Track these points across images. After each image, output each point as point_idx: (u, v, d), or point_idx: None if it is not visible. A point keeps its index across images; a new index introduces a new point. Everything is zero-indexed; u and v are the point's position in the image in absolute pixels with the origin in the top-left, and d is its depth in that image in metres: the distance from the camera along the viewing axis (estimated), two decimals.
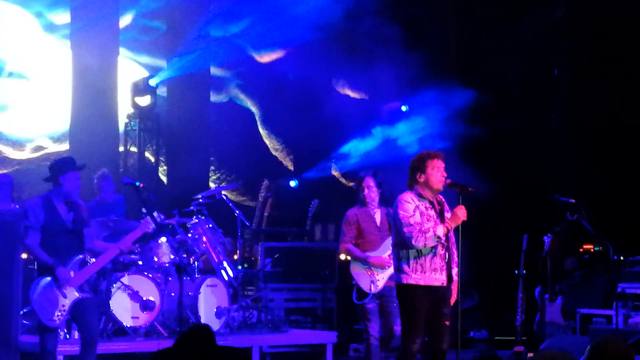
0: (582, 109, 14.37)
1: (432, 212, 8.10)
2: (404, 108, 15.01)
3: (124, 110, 14.65)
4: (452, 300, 8.16)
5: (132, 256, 10.63)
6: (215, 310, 10.69)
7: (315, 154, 15.48)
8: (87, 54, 13.55)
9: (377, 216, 9.58)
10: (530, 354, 10.72)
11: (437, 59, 14.57)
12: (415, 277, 8.01)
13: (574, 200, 11.48)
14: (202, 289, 10.64)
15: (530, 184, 14.06)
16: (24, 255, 9.56)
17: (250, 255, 13.38)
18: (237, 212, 11.78)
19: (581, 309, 12.14)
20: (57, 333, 8.53)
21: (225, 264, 11.28)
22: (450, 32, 15.33)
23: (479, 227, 10.10)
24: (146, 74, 15.34)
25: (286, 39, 14.83)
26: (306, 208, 13.98)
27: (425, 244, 7.97)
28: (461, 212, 7.99)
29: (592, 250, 12.96)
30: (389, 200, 9.64)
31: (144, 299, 10.30)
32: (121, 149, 14.65)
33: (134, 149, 14.83)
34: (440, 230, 7.98)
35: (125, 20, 15.12)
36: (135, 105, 14.63)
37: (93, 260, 8.58)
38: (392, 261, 9.27)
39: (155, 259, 10.72)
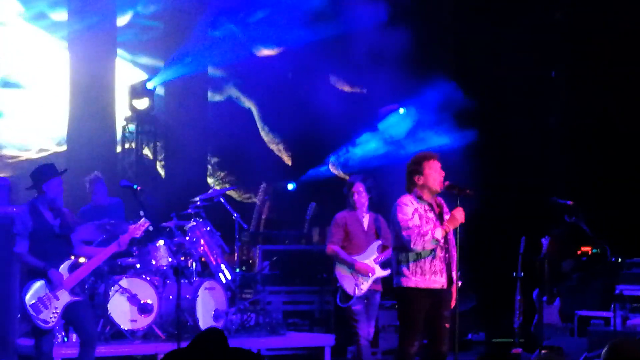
0: (579, 111, 14.38)
1: (431, 215, 8.10)
2: (401, 110, 15.02)
3: (122, 112, 14.65)
4: (453, 303, 8.16)
5: (130, 259, 10.63)
6: (213, 313, 10.68)
7: (314, 150, 15.46)
8: (85, 55, 13.54)
9: (365, 220, 9.74)
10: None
11: (435, 62, 14.58)
12: (415, 279, 8.01)
13: (571, 203, 11.46)
14: (200, 292, 10.63)
15: (528, 186, 14.05)
16: None
17: (248, 258, 13.37)
18: (235, 214, 11.78)
19: (579, 311, 12.13)
20: (52, 335, 8.56)
21: (223, 266, 11.28)
22: (448, 35, 15.33)
23: (477, 229, 10.10)
24: (144, 75, 15.34)
25: (284, 38, 14.86)
26: (304, 211, 13.97)
27: (424, 247, 7.97)
28: (459, 214, 8.00)
29: (590, 252, 12.96)
30: (378, 205, 9.76)
31: (142, 302, 10.28)
32: (119, 149, 14.64)
33: (132, 145, 14.81)
34: (439, 233, 7.97)
35: (123, 20, 15.11)
36: (132, 109, 14.62)
37: (83, 259, 8.62)
38: (376, 267, 9.38)
39: (153, 262, 10.71)
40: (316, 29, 14.28)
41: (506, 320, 12.42)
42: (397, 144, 14.33)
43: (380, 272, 9.61)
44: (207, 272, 11.34)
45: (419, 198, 8.11)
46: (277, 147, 16.78)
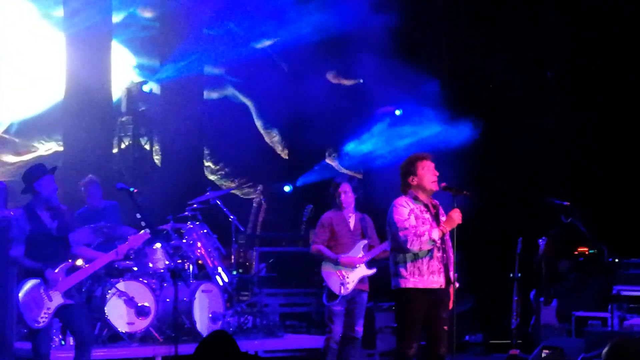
0: (575, 111, 14.37)
1: (427, 216, 8.11)
2: (397, 112, 15.03)
3: (119, 112, 14.66)
4: (450, 305, 8.16)
5: (127, 262, 10.63)
6: (210, 315, 10.68)
7: (310, 142, 15.45)
8: (81, 55, 13.50)
9: (352, 220, 9.81)
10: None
11: (430, 63, 14.58)
12: (413, 280, 8.01)
13: (568, 203, 11.48)
14: (197, 295, 10.63)
15: (525, 186, 14.06)
16: None
17: (245, 260, 13.37)
18: (232, 217, 11.78)
19: (576, 312, 12.12)
20: (49, 337, 8.57)
21: (220, 269, 11.28)
22: (442, 35, 15.33)
23: (474, 230, 10.10)
24: (140, 74, 15.32)
25: (279, 31, 14.90)
26: (301, 213, 13.98)
27: (420, 248, 7.97)
28: (456, 215, 8.01)
29: (586, 252, 12.95)
30: (364, 206, 9.84)
31: (139, 304, 10.28)
32: (115, 150, 14.62)
33: (128, 144, 14.81)
34: (436, 234, 7.98)
35: (118, 18, 15.07)
36: (129, 111, 14.62)
37: (80, 262, 8.61)
38: (361, 266, 9.50)
39: (150, 265, 10.71)
40: (311, 21, 14.31)
41: (504, 321, 12.44)
42: (393, 144, 14.33)
43: (366, 271, 9.67)
44: (204, 274, 11.35)
45: (415, 199, 8.12)
46: (271, 140, 16.78)
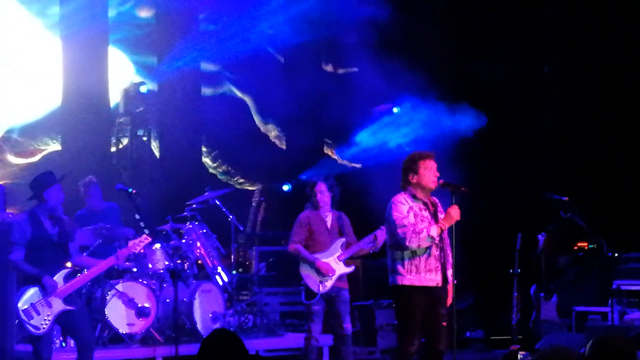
0: (573, 107, 14.38)
1: (426, 213, 8.11)
2: (395, 110, 15.02)
3: (116, 112, 14.63)
4: (449, 301, 8.18)
5: (127, 263, 10.61)
6: (210, 315, 10.68)
7: (308, 131, 15.44)
8: (77, 54, 13.47)
9: (329, 219, 9.89)
10: (522, 353, 10.68)
11: (428, 58, 14.57)
12: (410, 278, 8.02)
13: (567, 198, 11.48)
14: (197, 295, 10.62)
15: (523, 182, 14.06)
16: None
17: (244, 259, 13.36)
18: (231, 217, 11.77)
19: (577, 307, 12.12)
20: (50, 341, 8.58)
21: (219, 269, 11.27)
22: (440, 32, 15.32)
23: (473, 227, 10.10)
24: (138, 72, 15.29)
25: (275, 25, 14.91)
26: (299, 212, 13.93)
27: (419, 245, 7.98)
28: (455, 212, 8.02)
29: (586, 247, 12.94)
30: (340, 204, 9.94)
31: (139, 305, 10.28)
32: (113, 149, 14.60)
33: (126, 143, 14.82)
34: (434, 231, 7.99)
35: (114, 16, 15.04)
36: (127, 112, 14.60)
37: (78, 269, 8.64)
38: (339, 265, 9.56)
39: (150, 266, 10.71)
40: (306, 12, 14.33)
41: (504, 317, 12.43)
42: (390, 145, 14.33)
43: (343, 269, 9.71)
44: (204, 274, 11.34)
45: (414, 196, 8.13)
46: (269, 135, 16.79)
